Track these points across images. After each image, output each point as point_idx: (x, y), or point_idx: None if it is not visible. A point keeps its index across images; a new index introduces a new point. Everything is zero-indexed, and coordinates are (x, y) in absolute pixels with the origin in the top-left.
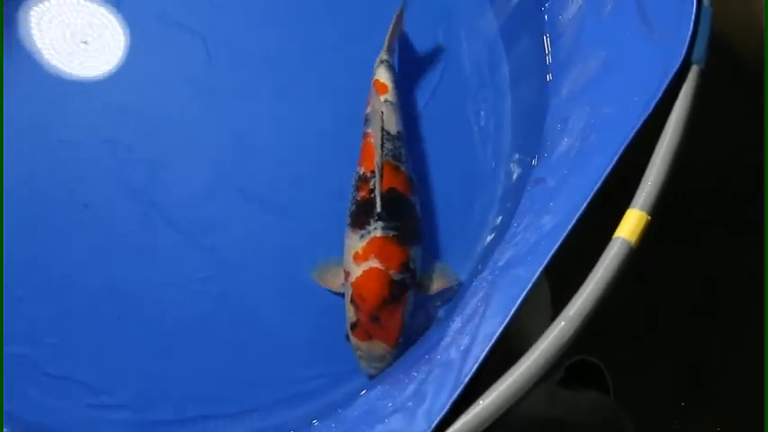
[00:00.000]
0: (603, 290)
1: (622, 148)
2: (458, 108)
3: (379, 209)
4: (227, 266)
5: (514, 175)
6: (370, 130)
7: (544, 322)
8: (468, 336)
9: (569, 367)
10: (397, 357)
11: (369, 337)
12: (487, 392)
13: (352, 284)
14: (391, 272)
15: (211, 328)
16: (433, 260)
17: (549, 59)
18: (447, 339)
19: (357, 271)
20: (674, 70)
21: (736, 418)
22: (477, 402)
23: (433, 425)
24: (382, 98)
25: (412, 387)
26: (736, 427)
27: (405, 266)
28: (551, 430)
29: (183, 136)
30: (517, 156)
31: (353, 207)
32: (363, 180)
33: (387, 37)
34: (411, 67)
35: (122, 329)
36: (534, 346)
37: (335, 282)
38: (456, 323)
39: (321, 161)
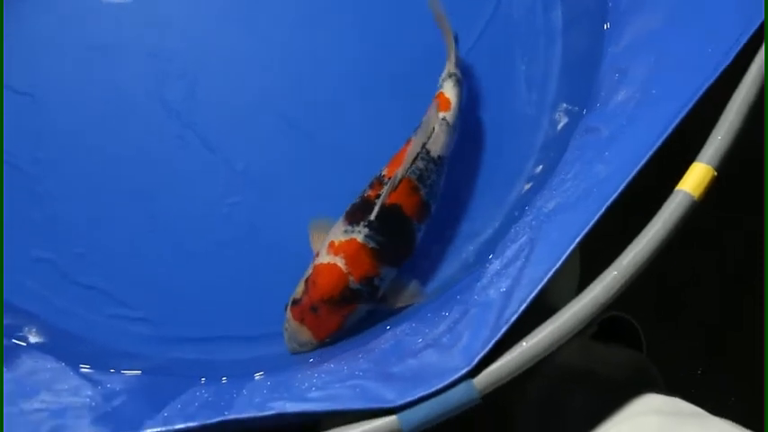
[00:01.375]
0: (660, 243)
1: (695, 98)
2: (504, 52)
3: (372, 217)
4: (258, 193)
5: (560, 125)
6: (413, 138)
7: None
8: (509, 279)
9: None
10: (319, 347)
11: (301, 320)
12: (531, 335)
13: (314, 266)
14: (351, 279)
15: (238, 252)
16: (408, 277)
17: (609, 5)
18: (484, 281)
19: (324, 258)
20: (760, 22)
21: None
22: (519, 343)
23: (475, 362)
24: (441, 115)
25: (443, 325)
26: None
27: (368, 281)
28: (583, 381)
29: (228, 55)
30: (564, 105)
31: (357, 200)
32: (379, 182)
33: (448, 47)
34: (460, 6)
35: (150, 244)
36: (584, 293)
37: (317, 243)
38: (494, 266)
39: (370, 101)
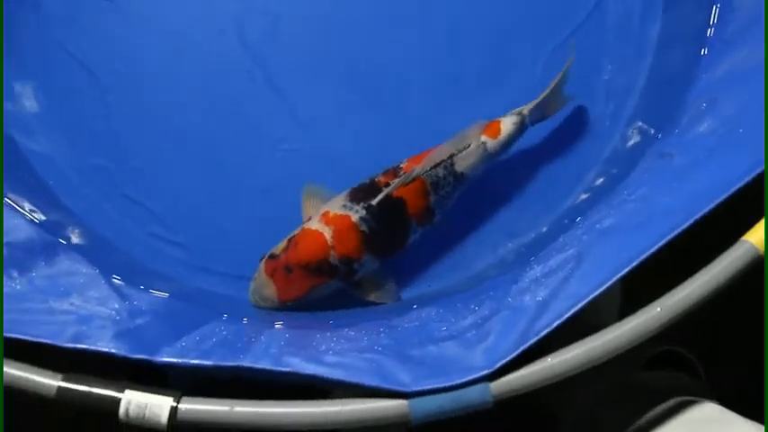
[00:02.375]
0: (713, 290)
1: None
2: (591, 56)
3: (374, 202)
4: (314, 146)
5: (630, 142)
6: (444, 145)
7: (612, 297)
8: (548, 289)
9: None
10: (278, 310)
11: (272, 275)
12: (559, 352)
13: (301, 228)
14: (332, 253)
15: (282, 199)
16: (389, 276)
17: (710, 32)
18: (521, 285)
19: (313, 224)
20: None
21: None
22: (545, 358)
23: (497, 366)
24: (483, 138)
25: (471, 319)
26: None
27: (347, 261)
28: (628, 398)
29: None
30: (640, 123)
31: (366, 181)
32: (394, 172)
33: (543, 93)
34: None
35: (200, 174)
36: (622, 323)
37: (308, 209)
38: (535, 271)
39: (441, 76)
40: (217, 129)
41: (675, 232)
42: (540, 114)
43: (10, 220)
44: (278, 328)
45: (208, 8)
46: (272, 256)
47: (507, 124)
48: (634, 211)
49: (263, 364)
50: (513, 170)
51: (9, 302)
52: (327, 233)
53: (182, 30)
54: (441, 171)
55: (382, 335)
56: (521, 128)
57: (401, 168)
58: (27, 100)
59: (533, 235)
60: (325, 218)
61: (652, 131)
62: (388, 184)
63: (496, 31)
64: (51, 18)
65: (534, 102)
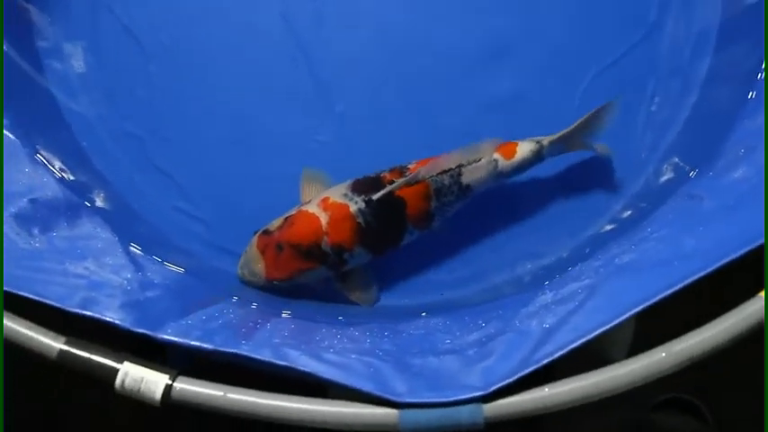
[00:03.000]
0: (721, 344)
1: None
2: (636, 83)
3: (374, 197)
4: (347, 140)
5: (663, 178)
6: (455, 153)
7: (625, 328)
8: (556, 317)
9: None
10: (262, 288)
11: (263, 251)
12: (557, 384)
13: (298, 209)
14: (325, 239)
15: None
16: (374, 280)
17: (761, 76)
18: (530, 308)
19: (311, 207)
20: None
21: None
22: (542, 388)
23: (491, 389)
24: (495, 156)
25: (476, 335)
26: None
27: (338, 250)
28: None
29: None
30: (676, 159)
31: (372, 175)
32: (400, 170)
33: (569, 128)
34: (613, 20)
35: (231, 153)
36: (624, 364)
37: (307, 193)
38: (546, 297)
39: (478, 88)
40: (253, 111)
41: (691, 279)
42: (559, 149)
43: (39, 178)
44: (285, 317)
45: None
46: (266, 232)
47: (524, 149)
48: (655, 250)
49: (263, 354)
50: (543, 189)
51: (25, 259)
52: (323, 218)
53: (230, 8)
54: (446, 179)
55: (386, 339)
56: (537, 156)
57: (408, 169)
58: (75, 60)
59: (553, 258)
60: (324, 203)
61: (687, 169)
62: (392, 182)
63: (541, 49)
64: None
65: (557, 135)
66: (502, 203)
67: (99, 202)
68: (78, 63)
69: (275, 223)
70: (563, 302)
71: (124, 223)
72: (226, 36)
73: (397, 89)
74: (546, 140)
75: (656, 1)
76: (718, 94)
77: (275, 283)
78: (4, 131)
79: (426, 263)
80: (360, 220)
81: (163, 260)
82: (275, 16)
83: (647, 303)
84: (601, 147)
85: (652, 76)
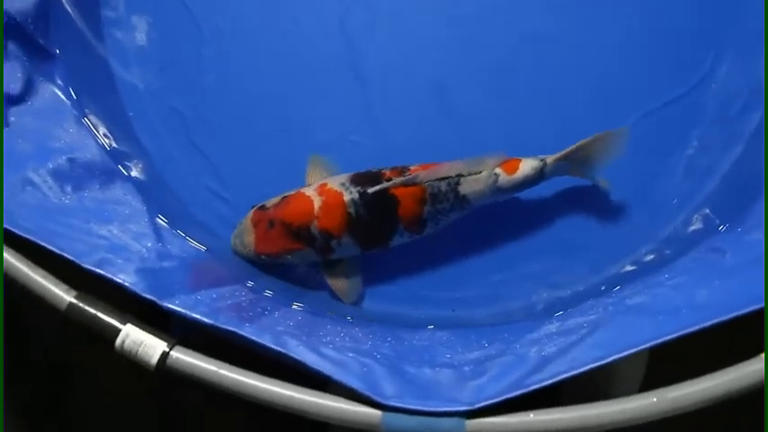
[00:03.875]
0: (716, 397)
1: None
2: (681, 128)
3: (370, 190)
4: (380, 144)
5: (692, 227)
6: (456, 162)
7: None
8: (555, 347)
9: None
10: (251, 261)
11: (255, 224)
12: (541, 412)
13: (297, 190)
14: (315, 222)
15: None
16: (360, 277)
17: None
18: (535, 335)
19: (308, 190)
20: None
21: None
22: (527, 413)
23: (477, 406)
24: (497, 170)
25: (476, 354)
26: None
27: (326, 236)
28: None
29: (420, 7)
30: (707, 211)
31: (373, 170)
32: (401, 170)
33: (572, 147)
34: (667, 64)
35: (268, 143)
36: (613, 403)
37: (311, 178)
38: (552, 326)
39: (518, 109)
40: (294, 104)
41: (696, 328)
42: (563, 169)
43: (81, 140)
44: (295, 309)
45: None
46: (262, 207)
47: (526, 166)
48: (666, 296)
49: (263, 338)
50: (573, 220)
51: (54, 214)
52: (317, 202)
53: (288, 3)
54: (444, 186)
55: (387, 344)
56: (539, 174)
57: (409, 170)
58: (136, 32)
59: (569, 291)
60: (321, 188)
61: (717, 223)
62: (390, 180)
63: (589, 83)
64: None
65: (560, 153)
66: (529, 229)
67: (134, 171)
68: (138, 35)
69: (273, 200)
70: (566, 334)
71: (154, 194)
72: (280, 29)
73: (436, 100)
74: (549, 159)
75: (712, 51)
76: (762, 150)
77: (263, 257)
78: (56, 90)
79: (443, 278)
80: (351, 210)
81: (186, 235)
82: (332, 18)
83: (645, 346)
84: (603, 182)
85: (698, 124)
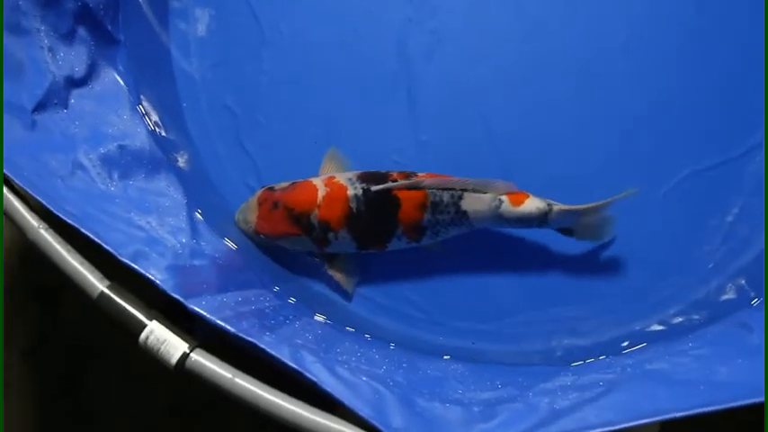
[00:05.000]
0: None
1: None
2: (724, 193)
3: (373, 188)
4: (423, 167)
5: (724, 296)
6: (464, 180)
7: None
8: (567, 402)
9: None
10: (251, 238)
11: (261, 203)
12: None
13: (307, 179)
14: (315, 211)
15: None
16: (358, 271)
17: None
18: (549, 385)
19: (317, 180)
20: None
21: None
22: None
23: None
24: (502, 198)
25: (488, 394)
26: None
27: (325, 226)
28: None
29: (483, 38)
30: (743, 281)
31: (381, 171)
32: (409, 175)
33: (584, 206)
34: (715, 131)
35: (313, 152)
36: None
37: (325, 169)
38: (567, 378)
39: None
40: (343, 116)
41: (712, 408)
42: (566, 222)
43: (134, 127)
44: (317, 320)
45: (384, 8)
46: (270, 188)
47: (531, 204)
48: (687, 367)
49: (281, 351)
50: (600, 270)
51: (98, 200)
52: (321, 192)
53: (353, 18)
54: (446, 196)
55: (401, 370)
56: (541, 217)
57: (416, 175)
58: (201, 25)
59: (590, 341)
60: (329, 180)
61: (750, 295)
62: (395, 181)
63: (638, 143)
64: None
65: (568, 207)
66: (558, 272)
67: (180, 163)
68: (201, 28)
69: (282, 184)
70: (581, 389)
71: (196, 188)
72: (340, 40)
73: (483, 133)
74: (556, 207)
75: (761, 125)
76: None
77: (262, 236)
78: (116, 75)
79: (466, 308)
80: (353, 205)
81: (221, 234)
82: (393, 36)
83: (657, 419)
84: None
85: (740, 192)
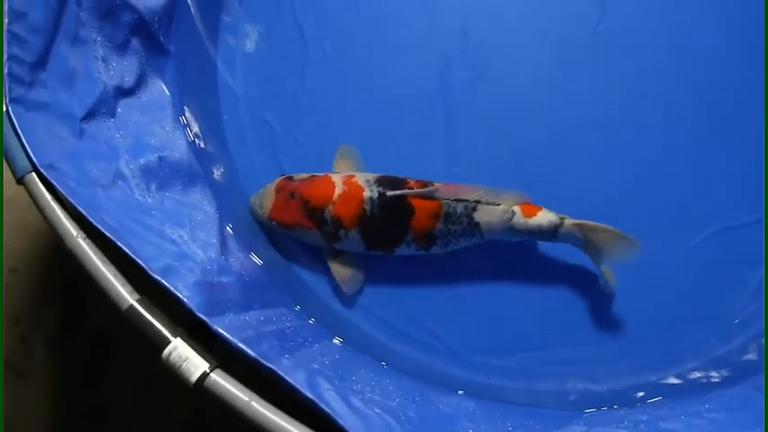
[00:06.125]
0: None
1: None
2: (753, 250)
3: (389, 193)
4: None
5: (746, 356)
6: (477, 189)
7: None
8: None
9: None
10: (263, 223)
11: (278, 190)
12: None
13: (327, 173)
14: (330, 207)
15: None
16: (363, 273)
17: None
18: None
19: (336, 177)
20: None
21: None
22: None
23: None
24: (515, 209)
25: None
26: None
27: (337, 223)
28: None
29: (524, 78)
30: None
31: (399, 175)
32: (425, 183)
33: (599, 224)
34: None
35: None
36: None
37: (338, 166)
38: (579, 427)
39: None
40: (379, 141)
41: None
42: (577, 239)
43: (175, 139)
44: (335, 343)
45: (430, 39)
46: (289, 178)
47: (543, 216)
48: (701, 429)
49: (297, 377)
50: (621, 316)
51: (134, 211)
52: (338, 190)
53: (398, 43)
54: (460, 207)
55: (414, 404)
56: (552, 230)
57: (432, 184)
58: (249, 41)
59: (605, 388)
60: (347, 179)
61: None
62: (411, 188)
63: (669, 195)
64: None
65: (580, 221)
66: (579, 314)
67: (216, 175)
68: (249, 44)
69: (302, 175)
70: None
71: (229, 201)
72: (384, 65)
73: (517, 169)
74: (568, 221)
75: None
76: None
77: (274, 224)
78: (163, 86)
79: (484, 342)
80: (367, 207)
81: (249, 249)
82: (437, 66)
83: None
84: (607, 272)
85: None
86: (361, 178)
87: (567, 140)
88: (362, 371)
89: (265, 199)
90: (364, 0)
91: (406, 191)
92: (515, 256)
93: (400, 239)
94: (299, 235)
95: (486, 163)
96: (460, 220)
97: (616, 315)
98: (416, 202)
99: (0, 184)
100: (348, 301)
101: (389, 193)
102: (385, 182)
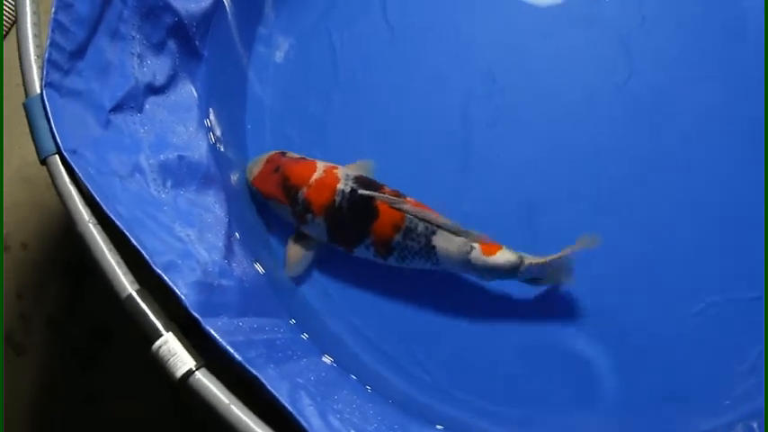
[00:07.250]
0: None
1: None
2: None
3: (360, 191)
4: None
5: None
6: (444, 219)
7: None
8: None
9: None
10: (247, 188)
11: (266, 162)
12: None
13: (317, 160)
14: (304, 189)
15: None
16: (312, 263)
17: None
18: None
19: (321, 164)
20: None
21: None
22: None
23: None
24: (474, 245)
25: None
26: None
27: (306, 207)
28: None
29: (548, 115)
30: (754, 425)
31: (379, 182)
32: (398, 194)
33: (552, 257)
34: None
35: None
36: None
37: (349, 168)
38: None
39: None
40: (397, 169)
41: None
42: (536, 273)
43: (197, 140)
44: (323, 361)
45: (456, 74)
46: (282, 153)
47: (502, 255)
48: None
49: (279, 388)
50: (607, 377)
51: (147, 205)
52: (316, 175)
53: (426, 75)
54: (421, 226)
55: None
56: (512, 269)
57: (405, 198)
58: (279, 52)
59: None
60: (329, 168)
61: None
62: (383, 193)
63: (674, 261)
64: (333, 4)
65: (539, 259)
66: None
67: (232, 181)
68: (280, 55)
69: (294, 155)
70: None
71: (240, 208)
72: (409, 96)
73: (526, 215)
74: (527, 260)
75: None
76: None
77: (254, 190)
78: (192, 88)
79: (473, 383)
80: (337, 198)
81: (253, 256)
82: (458, 105)
83: None
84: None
85: None
86: (341, 171)
87: (580, 197)
88: (345, 391)
89: (254, 167)
90: (399, 30)
91: (376, 193)
92: (524, 303)
93: (360, 240)
94: (275, 207)
95: (495, 206)
96: (419, 239)
97: (601, 377)
98: (383, 208)
99: (0, 166)
100: (338, 317)
101: (361, 191)
102: (361, 180)
